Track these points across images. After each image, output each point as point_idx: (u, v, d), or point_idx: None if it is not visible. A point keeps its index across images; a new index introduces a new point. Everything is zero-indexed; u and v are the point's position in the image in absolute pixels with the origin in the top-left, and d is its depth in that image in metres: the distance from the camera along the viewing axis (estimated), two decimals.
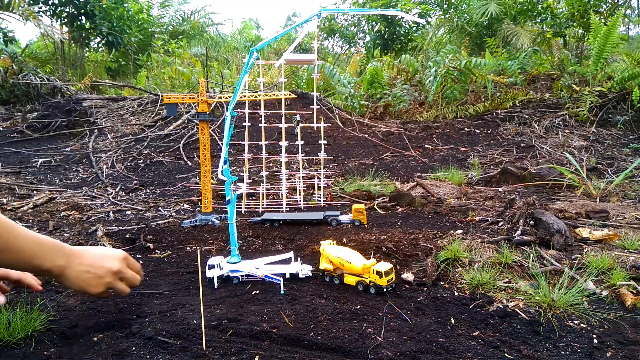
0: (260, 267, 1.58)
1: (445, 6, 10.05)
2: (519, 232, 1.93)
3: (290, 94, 2.42)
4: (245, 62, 1.73)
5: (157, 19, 11.86)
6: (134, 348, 1.09)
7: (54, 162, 4.26)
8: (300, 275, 1.56)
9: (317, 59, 2.59)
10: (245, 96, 2.47)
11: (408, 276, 1.57)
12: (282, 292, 1.42)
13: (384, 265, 1.44)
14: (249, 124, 2.54)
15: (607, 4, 7.34)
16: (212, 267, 1.54)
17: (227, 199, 1.69)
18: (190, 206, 2.78)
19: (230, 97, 1.95)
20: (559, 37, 7.99)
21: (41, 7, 8.58)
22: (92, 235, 2.09)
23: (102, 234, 2.06)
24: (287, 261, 1.65)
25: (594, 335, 1.19)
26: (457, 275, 1.61)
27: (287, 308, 1.29)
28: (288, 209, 2.53)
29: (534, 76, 6.81)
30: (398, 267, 1.67)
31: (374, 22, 10.40)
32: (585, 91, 5.44)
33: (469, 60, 6.20)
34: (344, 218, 2.28)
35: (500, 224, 2.14)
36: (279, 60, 2.03)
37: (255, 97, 2.47)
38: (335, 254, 1.52)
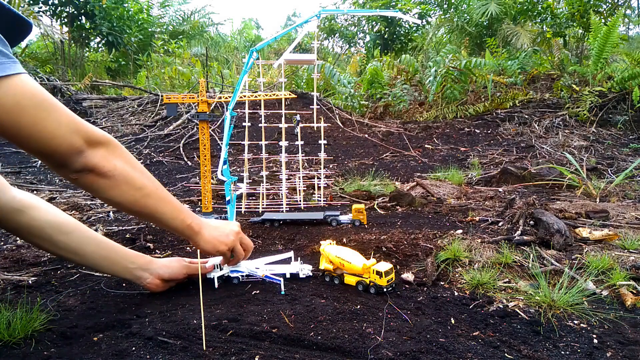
0: (261, 267, 1.58)
1: (445, 6, 10.06)
2: (519, 232, 1.92)
3: (290, 94, 2.42)
4: (245, 62, 1.73)
5: (157, 19, 11.87)
6: (134, 348, 1.09)
7: None
8: (301, 275, 1.56)
9: (317, 59, 2.59)
10: (245, 96, 2.47)
11: (408, 276, 1.57)
12: (282, 292, 1.42)
13: (384, 265, 1.43)
14: (249, 124, 2.54)
15: (607, 4, 7.35)
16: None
17: (227, 199, 1.69)
18: (190, 206, 2.78)
19: (230, 97, 1.95)
20: (559, 37, 8.00)
21: (41, 7, 8.59)
22: None
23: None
24: (287, 261, 1.65)
25: (594, 335, 1.18)
26: (457, 275, 1.60)
27: (287, 308, 1.29)
28: (288, 209, 2.53)
29: (534, 76, 6.81)
30: (398, 267, 1.67)
31: (374, 22, 10.42)
32: (585, 91, 5.44)
33: (469, 60, 6.21)
34: (344, 218, 2.28)
35: (500, 224, 2.14)
36: (279, 60, 2.03)
37: (255, 97, 2.47)
38: (335, 254, 1.51)
